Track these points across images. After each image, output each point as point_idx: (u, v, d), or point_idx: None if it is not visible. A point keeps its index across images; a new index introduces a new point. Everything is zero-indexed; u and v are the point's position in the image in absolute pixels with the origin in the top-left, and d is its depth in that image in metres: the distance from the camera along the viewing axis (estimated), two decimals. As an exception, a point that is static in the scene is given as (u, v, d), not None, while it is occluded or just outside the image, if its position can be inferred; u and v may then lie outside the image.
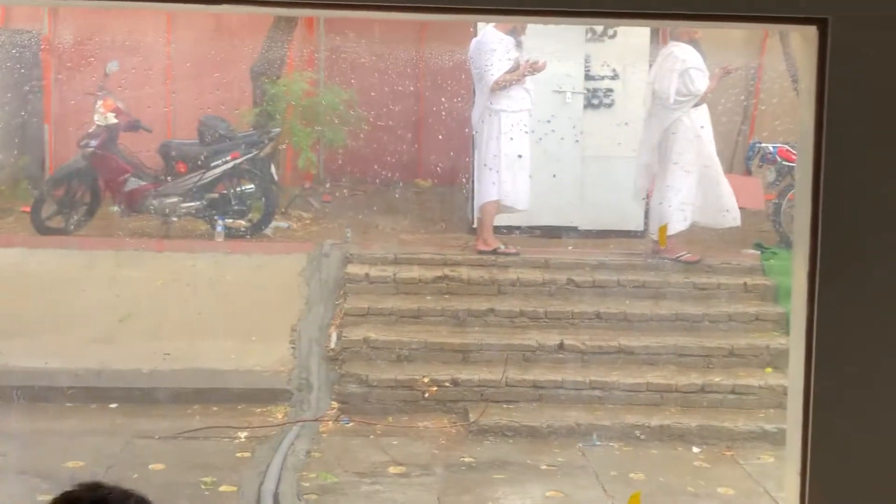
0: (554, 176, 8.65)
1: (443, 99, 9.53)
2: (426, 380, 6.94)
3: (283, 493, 5.81)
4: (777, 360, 7.02)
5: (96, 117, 8.66)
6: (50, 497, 1.67)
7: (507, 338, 7.27)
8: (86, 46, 9.35)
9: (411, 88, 10.00)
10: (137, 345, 7.13)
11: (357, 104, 9.45)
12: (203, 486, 5.75)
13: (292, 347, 7.21)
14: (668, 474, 6.22)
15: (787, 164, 8.48)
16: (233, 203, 8.65)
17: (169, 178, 8.71)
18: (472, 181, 8.44)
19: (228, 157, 8.66)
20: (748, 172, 9.17)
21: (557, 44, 8.57)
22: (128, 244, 8.29)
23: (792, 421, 2.29)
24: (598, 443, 6.56)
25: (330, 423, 6.74)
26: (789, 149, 8.46)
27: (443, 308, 7.49)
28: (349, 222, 8.84)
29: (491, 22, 7.66)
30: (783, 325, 7.20)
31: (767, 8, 2.07)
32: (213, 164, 8.64)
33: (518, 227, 8.52)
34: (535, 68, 8.15)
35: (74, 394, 6.80)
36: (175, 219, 8.65)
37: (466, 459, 6.33)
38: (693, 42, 8.11)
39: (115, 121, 8.69)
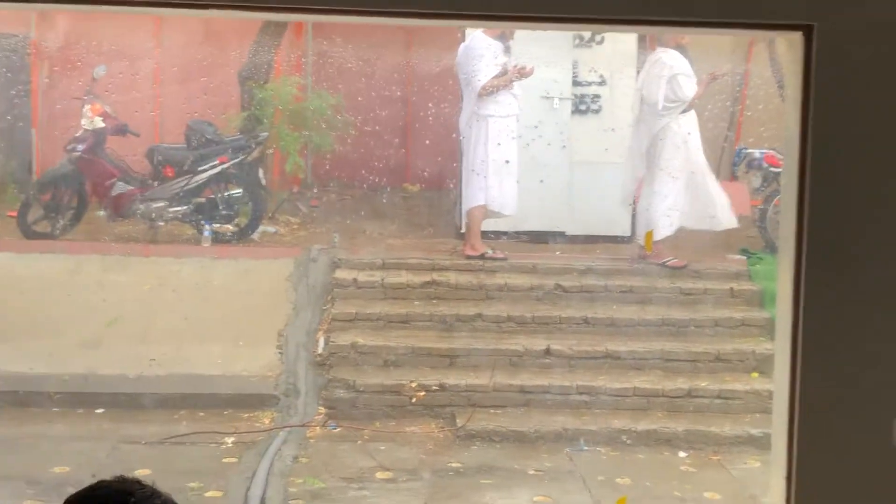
0: (541, 181, 8.66)
1: (430, 104, 9.54)
2: (414, 385, 6.94)
3: (270, 498, 5.80)
4: (763, 364, 7.05)
5: (83, 121, 8.63)
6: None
7: (495, 343, 7.27)
8: (73, 50, 9.32)
9: (399, 93, 10.01)
10: (124, 350, 7.10)
11: (345, 109, 9.45)
12: (190, 492, 5.73)
13: (279, 353, 7.20)
14: (654, 479, 6.24)
15: (773, 169, 8.52)
16: (220, 208, 8.63)
17: (156, 182, 8.69)
18: (460, 186, 8.45)
19: (216, 162, 8.64)
20: (734, 178, 9.21)
21: (545, 49, 8.59)
22: (115, 249, 8.26)
23: (778, 426, 2.30)
24: (586, 448, 6.57)
25: (317, 428, 6.73)
26: (775, 154, 8.50)
27: (430, 313, 7.49)
28: (337, 227, 8.83)
29: (479, 27, 7.68)
30: (769, 330, 7.23)
31: (754, 15, 2.09)
32: (200, 169, 8.62)
33: (506, 233, 8.53)
34: (522, 74, 8.16)
35: (61, 399, 6.77)
36: (162, 223, 8.63)
37: (454, 465, 6.33)
38: (680, 48, 8.15)
39: (103, 125, 8.67)
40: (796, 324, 2.19)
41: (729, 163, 9.42)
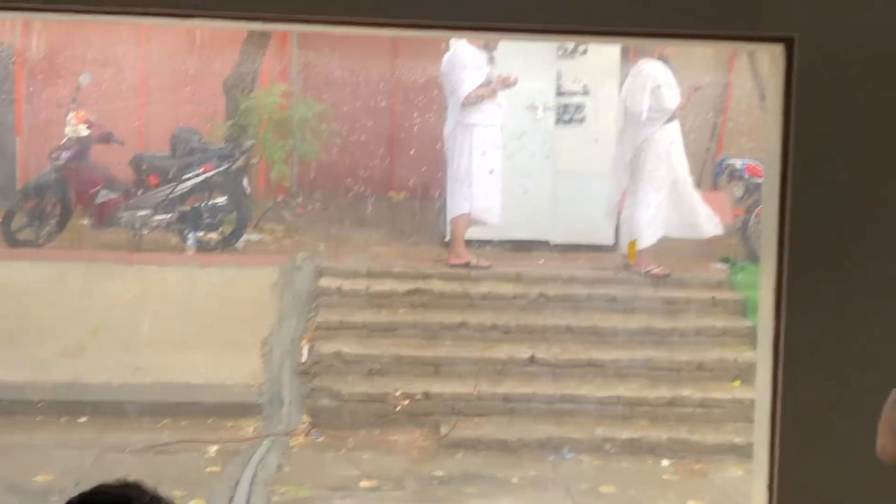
0: (525, 190, 8.69)
1: (416, 113, 9.56)
2: (398, 393, 6.94)
3: (254, 506, 5.79)
4: (745, 373, 7.08)
5: (68, 130, 8.61)
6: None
7: (479, 351, 7.28)
8: (58, 59, 9.30)
9: (384, 103, 10.02)
10: (108, 358, 7.08)
11: (330, 118, 9.46)
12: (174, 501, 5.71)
13: (264, 361, 7.19)
14: (638, 488, 6.26)
15: (754, 179, 8.57)
16: (205, 216, 8.61)
17: (141, 190, 8.67)
18: (445, 195, 8.46)
19: (200, 170, 8.63)
20: (717, 188, 9.27)
21: (529, 60, 8.63)
22: (99, 257, 8.24)
23: (760, 435, 2.33)
24: (569, 456, 6.58)
25: (301, 437, 6.72)
26: (757, 165, 8.56)
27: (415, 321, 7.50)
28: (322, 235, 8.83)
29: (464, 38, 7.70)
30: (751, 338, 7.27)
31: (737, 27, 2.12)
32: (185, 177, 8.61)
33: (490, 241, 8.54)
34: (507, 83, 8.20)
35: (44, 407, 6.74)
36: (147, 231, 8.61)
37: (438, 473, 6.33)
38: (663, 59, 8.20)
39: (87, 133, 8.64)
40: (778, 332, 2.22)
41: (711, 173, 9.48)
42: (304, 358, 7.17)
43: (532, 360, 7.22)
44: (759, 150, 8.41)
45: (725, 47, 7.44)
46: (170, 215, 8.61)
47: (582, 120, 9.04)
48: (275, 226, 9.22)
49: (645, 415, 6.90)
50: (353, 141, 9.57)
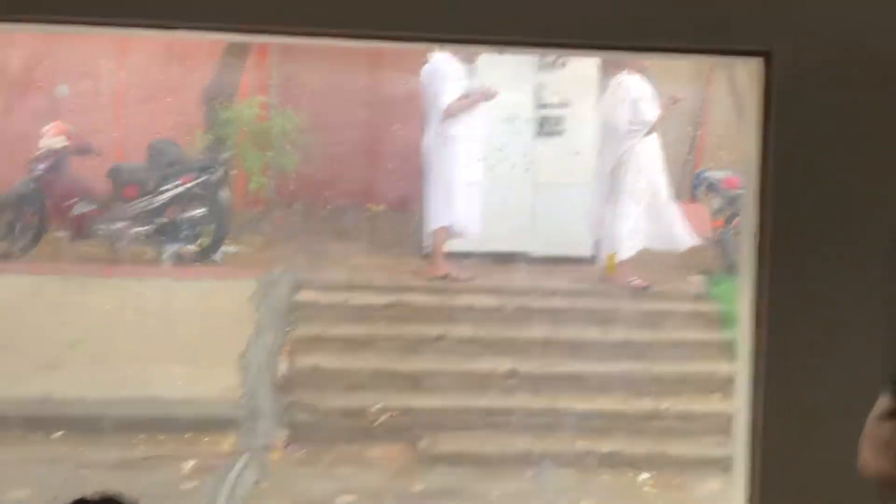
0: (505, 202, 8.69)
1: (396, 125, 9.55)
2: (377, 407, 6.90)
3: (232, 522, 5.74)
4: (724, 386, 7.08)
5: (44, 141, 8.55)
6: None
7: (459, 364, 7.26)
8: (35, 70, 9.23)
9: (364, 115, 10.00)
10: (84, 372, 7.01)
11: (310, 129, 9.44)
12: (149, 516, 5.66)
13: (241, 375, 7.14)
14: (618, 501, 6.24)
15: (732, 192, 8.61)
16: (183, 228, 8.57)
17: (118, 202, 8.61)
18: (424, 207, 8.46)
19: (179, 182, 8.59)
20: (695, 200, 9.30)
21: (508, 72, 8.65)
22: (75, 270, 8.17)
23: (739, 447, 2.32)
24: (549, 470, 6.56)
25: (279, 452, 6.67)
26: (735, 177, 8.60)
27: (394, 334, 7.47)
28: (300, 248, 8.79)
29: (443, 50, 7.71)
30: (730, 350, 7.28)
31: (714, 41, 2.12)
32: (163, 189, 8.56)
33: (470, 254, 8.53)
34: (486, 95, 8.21)
35: (18, 422, 6.66)
36: (124, 244, 8.55)
37: (417, 488, 6.30)
38: (642, 71, 8.24)
39: (64, 145, 8.59)
40: (758, 345, 2.21)
41: (689, 185, 9.52)
42: (282, 371, 7.12)
43: (512, 373, 7.20)
44: (737, 162, 8.45)
45: (704, 61, 7.48)
46: (147, 227, 8.56)
47: (562, 132, 9.06)
48: (253, 238, 9.17)
49: (625, 428, 6.89)
50: (333, 153, 9.55)
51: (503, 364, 7.24)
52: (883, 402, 1.56)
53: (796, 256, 2.17)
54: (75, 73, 9.18)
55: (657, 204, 8.17)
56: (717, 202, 8.86)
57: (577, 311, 7.75)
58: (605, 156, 8.25)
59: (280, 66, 9.91)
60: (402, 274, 8.21)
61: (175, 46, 9.48)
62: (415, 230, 8.96)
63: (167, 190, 8.56)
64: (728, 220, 8.56)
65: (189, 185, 8.57)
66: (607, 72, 8.68)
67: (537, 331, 7.56)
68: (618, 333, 7.60)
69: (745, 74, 2.26)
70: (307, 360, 7.15)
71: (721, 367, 7.27)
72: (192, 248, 8.61)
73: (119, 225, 8.52)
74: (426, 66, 8.29)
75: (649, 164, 8.14)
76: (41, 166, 8.54)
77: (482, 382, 7.15)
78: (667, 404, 7.03)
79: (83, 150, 8.71)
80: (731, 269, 8.12)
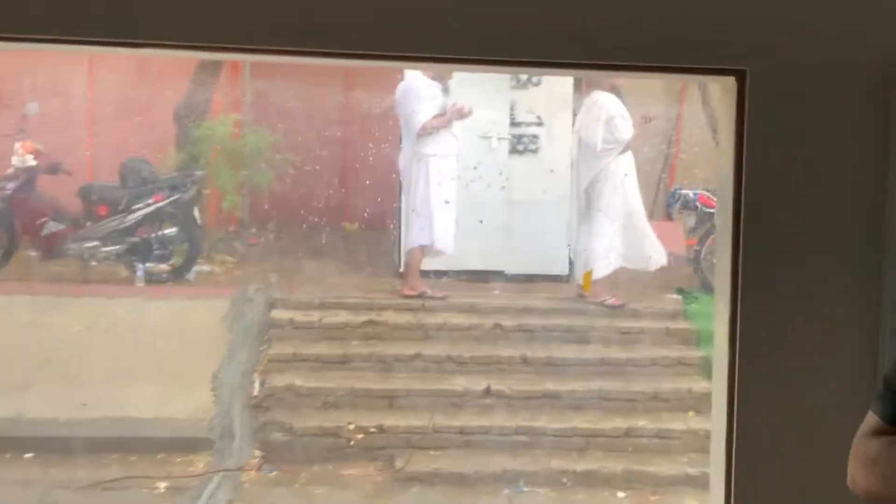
0: (480, 221, 8.69)
1: (370, 143, 9.54)
2: (352, 427, 6.86)
3: (205, 544, 5.67)
4: (699, 403, 7.11)
5: (14, 160, 8.48)
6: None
7: (434, 383, 7.24)
8: (4, 88, 9.16)
9: (338, 133, 9.99)
10: (54, 393, 6.93)
11: (283, 148, 9.41)
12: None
13: (214, 395, 7.08)
14: (594, 519, 6.23)
15: (707, 210, 8.66)
16: (154, 247, 8.50)
17: (89, 221, 8.54)
18: (399, 226, 8.45)
19: (151, 201, 8.53)
20: (670, 218, 9.34)
21: (483, 91, 8.67)
22: (46, 289, 8.09)
23: (715, 465, 2.31)
24: (525, 489, 6.54)
25: (252, 472, 6.62)
26: (709, 195, 8.65)
27: (369, 353, 7.44)
28: (274, 266, 8.75)
29: (417, 69, 7.71)
30: (705, 369, 7.30)
31: (687, 59, 2.12)
32: (134, 208, 8.50)
33: (445, 272, 8.53)
34: (461, 114, 8.23)
35: (-13, 444, 6.58)
36: (95, 263, 8.47)
37: (393, 507, 6.26)
38: (615, 90, 8.28)
39: (34, 163, 8.52)
40: (733, 363, 2.21)
41: (664, 203, 9.57)
42: (255, 391, 7.07)
43: (488, 391, 7.19)
44: (711, 180, 8.50)
45: (678, 80, 7.53)
46: (119, 246, 8.49)
47: (536, 150, 9.09)
48: (226, 257, 9.12)
49: (600, 446, 6.89)
50: (307, 171, 9.52)
51: (478, 383, 7.22)
52: (869, 420, 1.55)
53: (771, 274, 2.17)
54: (45, 91, 9.11)
55: (632, 222, 8.20)
56: (691, 220, 8.90)
57: (552, 330, 7.76)
58: (581, 174, 8.28)
59: (253, 83, 9.89)
60: (376, 293, 8.19)
61: (147, 64, 9.44)
62: (390, 249, 8.95)
63: (139, 209, 8.50)
64: (702, 239, 8.60)
65: (161, 203, 8.52)
66: (582, 90, 8.72)
67: (513, 349, 7.56)
68: (593, 352, 7.60)
69: (719, 92, 2.26)
70: (281, 380, 7.10)
71: (697, 385, 7.29)
72: (164, 267, 8.54)
73: (90, 244, 8.45)
74: (401, 84, 8.30)
75: (624, 182, 8.18)
76: (10, 185, 8.46)
77: (457, 401, 7.13)
78: (643, 422, 7.03)
79: (53, 169, 8.64)
80: (706, 286, 8.15)
